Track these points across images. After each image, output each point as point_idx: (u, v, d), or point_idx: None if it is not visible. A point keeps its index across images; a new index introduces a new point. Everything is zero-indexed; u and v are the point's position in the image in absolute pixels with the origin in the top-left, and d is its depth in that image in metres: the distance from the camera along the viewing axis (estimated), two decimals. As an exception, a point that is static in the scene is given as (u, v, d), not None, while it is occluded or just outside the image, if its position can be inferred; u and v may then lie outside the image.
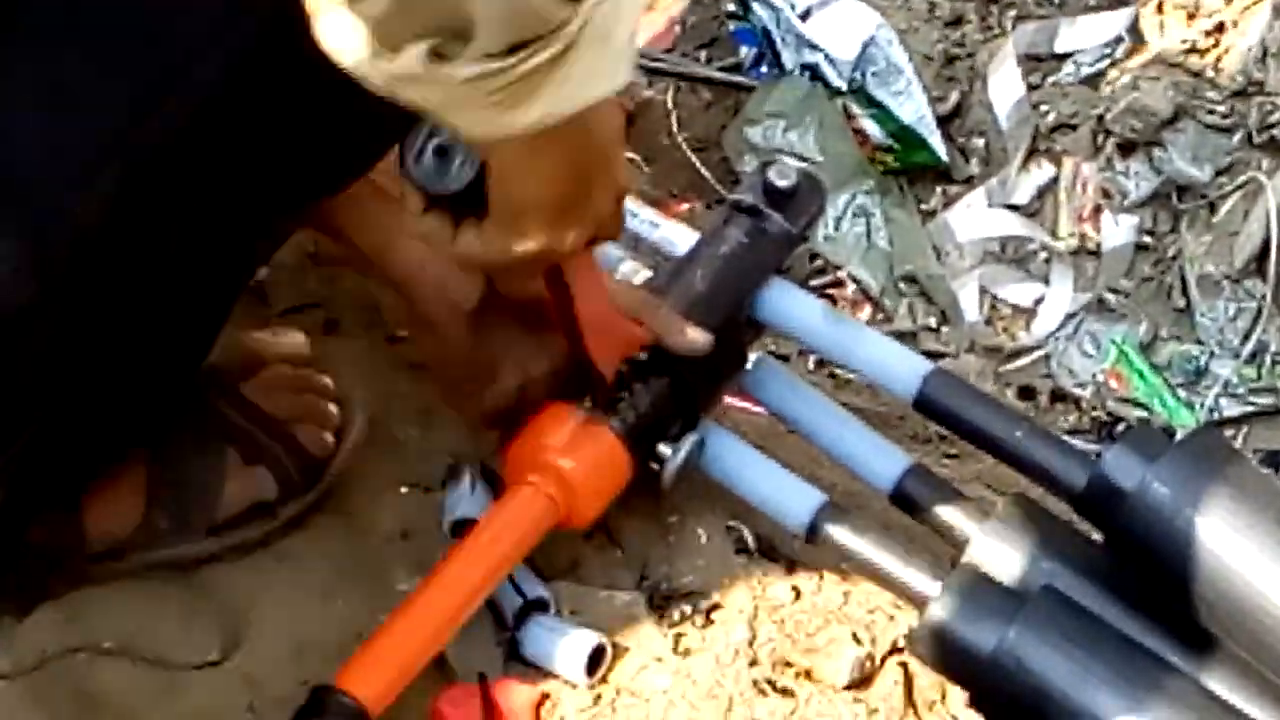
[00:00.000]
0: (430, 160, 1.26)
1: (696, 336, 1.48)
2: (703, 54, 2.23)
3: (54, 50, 1.12)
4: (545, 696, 1.42)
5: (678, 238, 1.61)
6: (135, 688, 1.37)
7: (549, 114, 1.09)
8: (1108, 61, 2.17)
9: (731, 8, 2.22)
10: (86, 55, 1.12)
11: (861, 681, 1.49)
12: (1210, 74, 2.14)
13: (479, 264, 1.31)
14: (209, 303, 1.32)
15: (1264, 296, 2.09)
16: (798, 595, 1.53)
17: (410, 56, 1.04)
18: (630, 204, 1.65)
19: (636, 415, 1.46)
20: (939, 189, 2.19)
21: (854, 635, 1.49)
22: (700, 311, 1.50)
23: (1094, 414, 2.09)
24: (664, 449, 1.48)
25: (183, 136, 1.15)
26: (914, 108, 2.14)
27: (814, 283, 2.05)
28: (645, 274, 1.58)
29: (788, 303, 1.56)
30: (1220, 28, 2.15)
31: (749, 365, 1.58)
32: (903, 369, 1.54)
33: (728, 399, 1.61)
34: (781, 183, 1.54)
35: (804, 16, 2.16)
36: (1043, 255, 2.14)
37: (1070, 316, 2.13)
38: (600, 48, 1.08)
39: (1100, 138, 2.13)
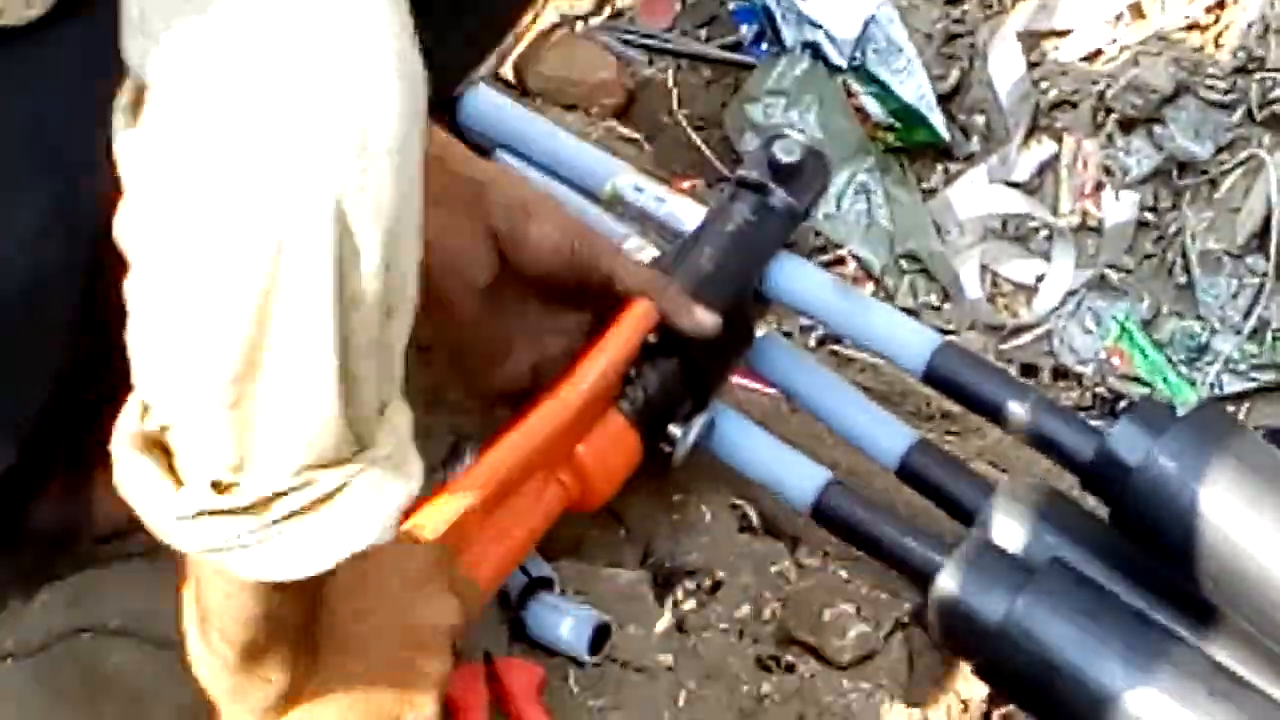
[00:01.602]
0: None
1: (705, 317, 1.47)
2: (703, 32, 2.23)
3: None
4: (550, 675, 1.42)
5: (684, 213, 1.60)
6: (142, 668, 1.37)
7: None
8: (1108, 38, 2.17)
9: (732, -14, 2.22)
10: None
11: (865, 658, 1.49)
12: (1211, 50, 2.13)
13: None
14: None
15: (1265, 273, 2.08)
16: (801, 572, 1.53)
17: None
18: (637, 179, 1.65)
19: (646, 397, 1.46)
20: (940, 167, 2.18)
21: (858, 612, 1.50)
22: (708, 291, 1.49)
23: (1096, 391, 2.08)
24: (675, 430, 1.48)
25: None
26: (915, 86, 2.14)
27: (815, 261, 2.05)
28: (651, 251, 1.58)
29: (797, 277, 1.56)
30: (1221, 4, 2.14)
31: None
32: (913, 342, 1.55)
33: (730, 377, 1.61)
34: (786, 158, 1.54)
35: (805, -5, 2.16)
36: (1044, 232, 2.14)
37: (1071, 293, 2.12)
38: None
39: (1101, 114, 2.13)
